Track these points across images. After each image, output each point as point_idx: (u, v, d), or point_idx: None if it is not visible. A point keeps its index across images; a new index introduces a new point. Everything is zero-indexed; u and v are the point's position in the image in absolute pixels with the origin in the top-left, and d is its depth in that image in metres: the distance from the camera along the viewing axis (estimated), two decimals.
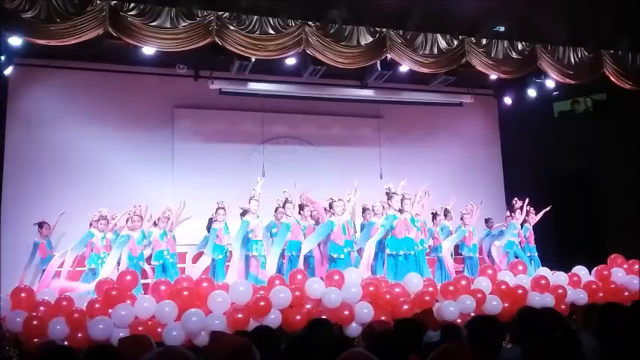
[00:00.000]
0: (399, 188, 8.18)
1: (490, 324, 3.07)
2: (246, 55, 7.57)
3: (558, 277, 7.60)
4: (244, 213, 8.08)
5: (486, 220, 9.70)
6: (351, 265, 7.57)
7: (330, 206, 7.93)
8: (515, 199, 9.13)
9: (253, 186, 8.25)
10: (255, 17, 7.48)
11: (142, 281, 7.40)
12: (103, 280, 6.69)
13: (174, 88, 9.81)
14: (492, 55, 8.48)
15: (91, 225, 8.00)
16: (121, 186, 9.09)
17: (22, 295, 6.09)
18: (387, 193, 8.10)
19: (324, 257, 7.97)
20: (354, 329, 6.22)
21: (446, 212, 9.08)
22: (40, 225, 8.10)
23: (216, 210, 8.19)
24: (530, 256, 8.99)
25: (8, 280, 7.55)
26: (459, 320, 6.23)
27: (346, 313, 6.23)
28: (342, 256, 7.68)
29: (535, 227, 9.17)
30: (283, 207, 8.16)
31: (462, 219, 8.95)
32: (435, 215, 8.89)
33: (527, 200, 9.06)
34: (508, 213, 9.29)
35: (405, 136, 11.04)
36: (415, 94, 10.50)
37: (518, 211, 9.00)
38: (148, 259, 8.05)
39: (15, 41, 6.91)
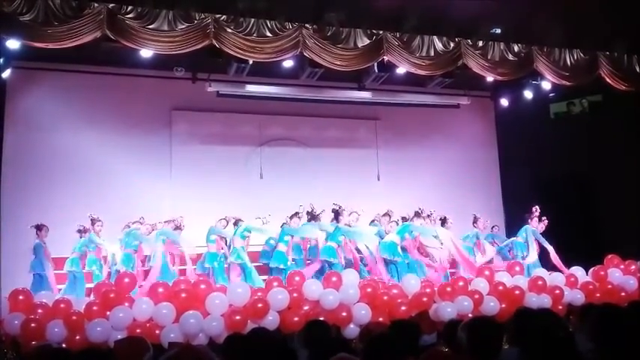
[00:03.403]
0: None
1: (490, 325, 3.06)
2: (243, 57, 7.58)
3: (555, 278, 7.64)
4: (237, 222, 8.30)
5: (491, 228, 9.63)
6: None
7: (338, 213, 8.19)
8: (536, 207, 8.97)
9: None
10: (253, 20, 7.48)
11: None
12: (101, 283, 6.70)
13: (172, 90, 9.80)
14: (489, 57, 8.49)
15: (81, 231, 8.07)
16: (118, 188, 9.11)
17: (20, 297, 6.09)
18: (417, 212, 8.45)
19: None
20: (351, 330, 6.23)
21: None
22: (39, 227, 7.82)
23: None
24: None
25: (8, 283, 7.50)
26: None
27: (344, 314, 6.25)
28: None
29: None
30: (291, 219, 8.30)
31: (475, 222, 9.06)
32: (444, 221, 8.81)
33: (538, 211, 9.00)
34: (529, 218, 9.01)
35: (402, 138, 11.05)
36: (412, 96, 10.50)
37: (536, 219, 8.89)
38: (143, 261, 8.12)
39: (13, 44, 6.90)
